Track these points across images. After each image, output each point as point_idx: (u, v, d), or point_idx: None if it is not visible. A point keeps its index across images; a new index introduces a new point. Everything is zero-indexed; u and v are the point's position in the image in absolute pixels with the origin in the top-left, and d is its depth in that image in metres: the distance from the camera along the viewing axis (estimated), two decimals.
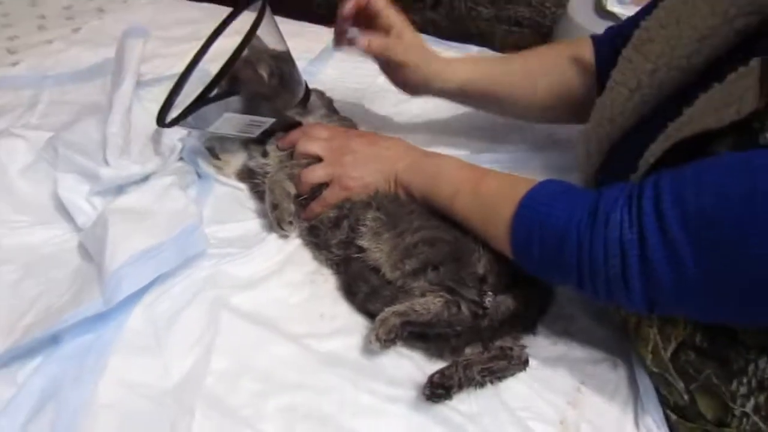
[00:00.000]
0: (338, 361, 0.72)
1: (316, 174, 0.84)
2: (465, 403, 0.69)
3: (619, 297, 0.62)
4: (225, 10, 1.44)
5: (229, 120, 0.85)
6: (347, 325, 0.76)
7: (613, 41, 0.87)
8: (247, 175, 0.92)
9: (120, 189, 0.87)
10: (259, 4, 0.83)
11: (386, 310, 0.69)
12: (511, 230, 0.68)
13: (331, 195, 0.83)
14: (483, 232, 0.73)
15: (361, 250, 0.77)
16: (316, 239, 0.83)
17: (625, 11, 1.80)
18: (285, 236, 0.84)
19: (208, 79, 0.77)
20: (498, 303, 0.71)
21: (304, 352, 0.72)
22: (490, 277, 0.72)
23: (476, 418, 0.68)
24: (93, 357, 0.68)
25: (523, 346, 0.72)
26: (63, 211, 0.85)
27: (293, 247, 0.85)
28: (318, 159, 0.86)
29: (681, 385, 0.68)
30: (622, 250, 0.59)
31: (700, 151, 0.60)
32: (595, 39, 0.93)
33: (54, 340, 0.70)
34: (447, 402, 0.68)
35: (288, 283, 0.80)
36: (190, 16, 1.38)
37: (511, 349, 0.70)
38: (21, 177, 0.87)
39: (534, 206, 0.67)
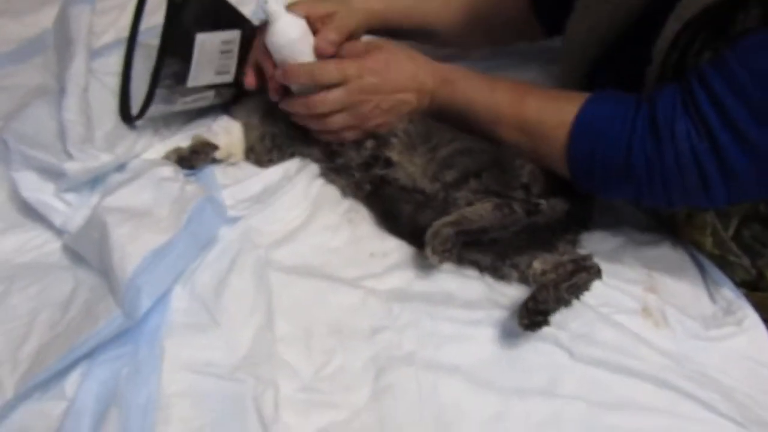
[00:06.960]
0: (406, 296, 0.67)
1: (329, 99, 0.72)
2: None
3: (698, 200, 0.62)
4: None
5: (205, 53, 0.74)
6: (401, 259, 0.71)
7: None
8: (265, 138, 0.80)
9: (94, 184, 0.75)
10: None
11: (436, 222, 0.65)
12: (567, 155, 0.65)
13: (348, 131, 0.75)
14: (535, 157, 0.69)
15: (390, 163, 0.72)
16: (334, 164, 0.77)
17: None
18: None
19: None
20: (552, 204, 0.68)
21: (367, 296, 0.67)
22: (535, 186, 0.68)
23: (564, 324, 0.65)
24: (145, 348, 0.60)
25: (591, 255, 0.68)
26: (30, 213, 0.74)
27: (318, 188, 0.78)
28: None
29: (747, 262, 0.70)
30: (698, 162, 0.58)
31: (722, 30, 0.59)
32: None
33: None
34: None
35: (325, 227, 0.73)
36: None
37: (583, 259, 0.66)
38: None
39: (588, 130, 0.64)
